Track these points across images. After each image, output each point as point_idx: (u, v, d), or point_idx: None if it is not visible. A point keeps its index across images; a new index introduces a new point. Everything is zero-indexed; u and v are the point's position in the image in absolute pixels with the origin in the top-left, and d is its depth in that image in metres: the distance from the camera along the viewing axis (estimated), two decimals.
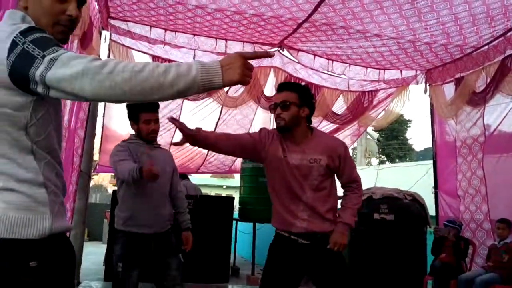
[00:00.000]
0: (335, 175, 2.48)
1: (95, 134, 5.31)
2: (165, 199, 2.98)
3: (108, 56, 5.00)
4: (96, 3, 4.17)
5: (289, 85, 2.48)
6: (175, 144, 2.22)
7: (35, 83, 1.08)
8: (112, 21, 4.79)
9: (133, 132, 2.94)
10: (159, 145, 3.12)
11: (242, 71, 1.15)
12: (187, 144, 6.23)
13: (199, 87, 1.11)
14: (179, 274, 2.94)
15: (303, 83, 5.96)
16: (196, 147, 6.30)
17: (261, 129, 2.51)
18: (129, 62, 1.16)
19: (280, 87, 2.46)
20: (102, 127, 5.56)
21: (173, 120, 2.20)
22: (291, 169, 2.35)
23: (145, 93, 1.07)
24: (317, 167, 2.36)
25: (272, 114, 6.22)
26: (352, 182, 2.50)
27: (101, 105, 5.38)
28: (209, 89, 1.15)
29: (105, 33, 4.84)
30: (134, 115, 2.88)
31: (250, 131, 6.46)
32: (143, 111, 2.83)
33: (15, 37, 1.10)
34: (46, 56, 1.07)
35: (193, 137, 2.22)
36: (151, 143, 2.95)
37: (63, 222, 1.26)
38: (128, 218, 2.84)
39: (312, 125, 2.51)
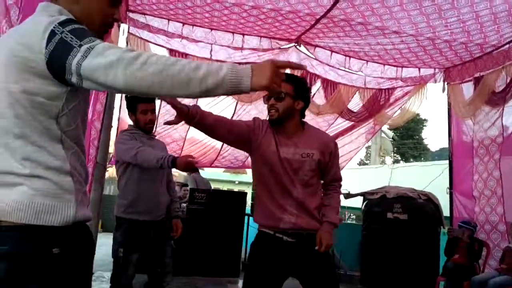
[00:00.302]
0: (321, 172, 2.40)
1: (112, 126, 5.36)
2: (164, 188, 3.12)
3: None
4: None
5: (287, 76, 2.32)
6: (168, 123, 2.06)
7: (71, 73, 1.10)
8: (130, 14, 4.83)
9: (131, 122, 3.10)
10: (155, 135, 3.27)
11: (272, 77, 1.17)
12: (201, 139, 6.22)
13: (228, 88, 1.14)
14: (171, 262, 3.19)
15: (319, 80, 5.95)
16: (210, 142, 6.38)
17: (254, 119, 2.41)
18: (163, 55, 1.18)
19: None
20: (118, 120, 5.61)
21: (163, 98, 2.19)
22: (282, 162, 2.28)
23: (174, 86, 1.10)
24: (309, 161, 2.30)
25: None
26: (336, 181, 2.47)
27: (117, 98, 5.42)
28: (237, 91, 1.16)
29: (124, 26, 4.88)
30: (132, 106, 3.00)
31: None
32: (140, 102, 2.95)
33: (54, 27, 1.13)
34: (82, 45, 1.09)
35: (187, 114, 2.05)
36: (149, 134, 3.08)
37: (85, 211, 1.28)
38: (129, 205, 2.97)
39: (303, 120, 2.43)
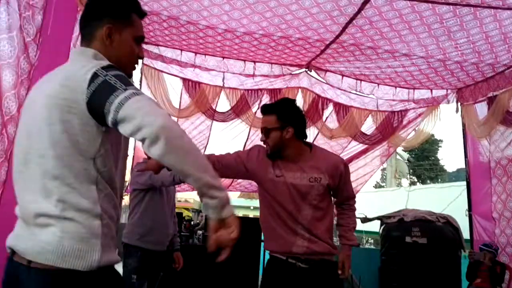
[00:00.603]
0: (332, 192, 2.37)
1: (128, 155, 5.44)
2: (172, 220, 3.30)
3: (140, 80, 5.16)
4: None
5: (267, 108, 2.32)
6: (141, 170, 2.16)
7: (109, 111, 1.14)
8: (144, 46, 4.96)
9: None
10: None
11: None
12: None
13: (216, 205, 1.22)
14: None
15: (331, 104, 5.98)
16: None
17: (251, 148, 2.39)
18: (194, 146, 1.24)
19: (263, 110, 2.35)
20: (134, 148, 5.69)
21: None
22: (288, 188, 2.24)
23: (192, 166, 1.17)
24: (317, 186, 2.25)
25: None
26: (350, 199, 2.43)
27: None
28: (218, 211, 1.23)
29: None
30: None
31: None
32: None
33: (96, 70, 1.19)
34: (128, 89, 1.15)
35: None
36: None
37: (112, 255, 1.27)
38: (145, 234, 3.08)
39: (308, 141, 2.40)
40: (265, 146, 2.31)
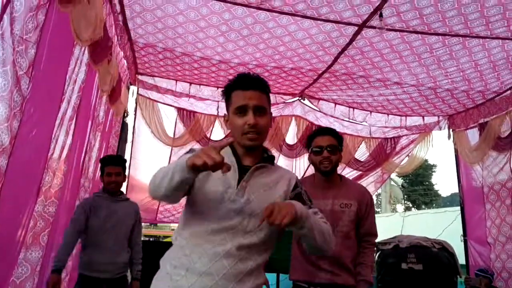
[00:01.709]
0: (357, 223, 2.42)
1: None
2: (121, 248, 3.35)
3: (135, 109, 5.19)
4: (125, 61, 4.39)
5: (333, 131, 2.50)
6: None
7: None
8: (139, 77, 5.02)
9: None
10: (127, 198, 3.59)
11: (195, 157, 1.37)
12: None
13: (179, 169, 1.43)
14: None
15: None
16: None
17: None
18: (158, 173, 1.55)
19: (325, 131, 2.48)
20: (128, 177, 5.66)
21: None
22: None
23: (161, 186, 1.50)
24: (348, 212, 2.33)
25: (294, 161, 6.15)
26: (372, 236, 2.45)
27: (127, 156, 5.51)
28: (184, 170, 1.42)
29: (133, 88, 5.06)
30: (101, 169, 3.43)
31: None
32: (106, 165, 3.39)
33: None
34: None
35: None
36: (115, 195, 3.43)
37: None
38: (86, 263, 3.24)
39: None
40: (324, 164, 2.39)
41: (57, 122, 2.71)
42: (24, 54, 2.23)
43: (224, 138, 5.63)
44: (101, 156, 3.98)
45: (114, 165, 3.40)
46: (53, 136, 2.72)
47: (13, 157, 2.22)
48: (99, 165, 3.51)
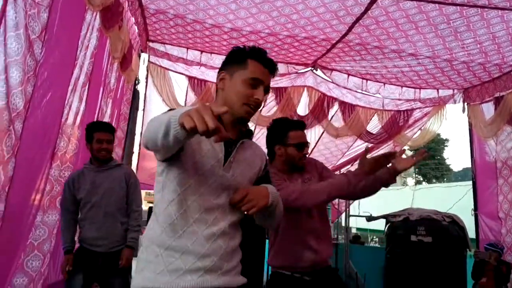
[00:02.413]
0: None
1: (133, 152, 5.47)
2: (114, 221, 3.11)
3: (146, 77, 5.19)
4: (136, 27, 4.36)
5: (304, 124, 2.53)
6: None
7: None
8: (150, 44, 4.98)
9: None
10: (118, 164, 3.26)
11: (188, 114, 1.15)
12: None
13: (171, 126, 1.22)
14: None
15: (336, 102, 5.98)
16: None
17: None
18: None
19: (301, 126, 2.43)
20: (139, 145, 5.72)
21: None
22: None
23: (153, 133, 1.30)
24: (311, 184, 2.35)
25: (306, 132, 6.23)
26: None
27: (139, 123, 5.55)
28: (177, 128, 1.22)
29: (144, 55, 5.04)
30: (89, 136, 3.06)
31: None
32: (96, 131, 3.04)
33: None
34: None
35: None
36: (105, 163, 3.12)
37: None
38: (81, 238, 3.10)
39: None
40: (303, 160, 2.40)
41: (70, 87, 2.73)
42: (37, 17, 2.23)
43: None
44: (112, 123, 4.00)
45: (106, 131, 3.10)
46: (66, 101, 2.75)
47: (27, 122, 2.25)
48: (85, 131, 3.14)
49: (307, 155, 2.42)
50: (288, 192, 2.10)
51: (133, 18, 4.10)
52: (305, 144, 2.37)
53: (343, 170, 6.82)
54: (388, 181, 2.12)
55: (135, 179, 3.27)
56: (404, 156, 2.09)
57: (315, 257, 2.29)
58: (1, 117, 2.04)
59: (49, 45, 2.36)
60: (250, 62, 1.56)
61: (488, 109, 5.60)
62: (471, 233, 5.81)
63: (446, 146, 26.94)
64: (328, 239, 2.37)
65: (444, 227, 5.51)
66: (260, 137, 6.15)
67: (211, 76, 5.34)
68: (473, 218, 5.94)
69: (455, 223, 5.59)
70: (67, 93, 2.73)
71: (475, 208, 5.96)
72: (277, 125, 2.44)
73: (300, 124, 2.44)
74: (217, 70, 1.63)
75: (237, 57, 1.59)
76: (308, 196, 2.10)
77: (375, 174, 2.09)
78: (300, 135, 2.37)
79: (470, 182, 6.30)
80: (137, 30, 4.44)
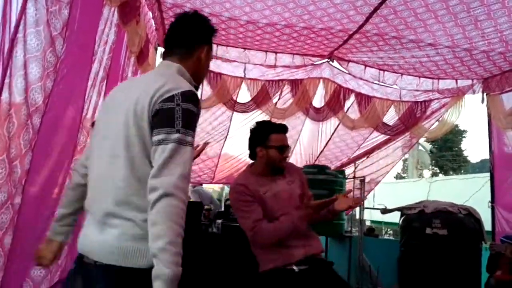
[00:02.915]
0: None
1: None
2: None
3: None
4: (153, 21, 4.37)
5: (286, 128, 2.59)
6: None
7: (152, 137, 1.28)
8: None
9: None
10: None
11: None
12: (235, 155, 6.41)
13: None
14: None
15: (352, 94, 5.94)
16: (244, 158, 6.45)
17: (243, 190, 2.42)
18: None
19: (282, 130, 2.52)
20: None
21: None
22: (275, 197, 2.39)
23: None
24: (296, 187, 2.47)
25: (320, 124, 6.16)
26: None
27: None
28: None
29: (161, 49, 5.05)
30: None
31: (299, 142, 6.49)
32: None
33: (175, 94, 1.30)
34: (177, 133, 1.26)
35: None
36: None
37: None
38: None
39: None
40: (283, 163, 2.51)
41: (90, 82, 2.76)
42: (58, 14, 2.26)
43: (250, 101, 5.62)
44: None
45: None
46: (86, 96, 2.78)
47: (46, 116, 2.28)
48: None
49: (287, 158, 2.55)
50: (245, 227, 2.32)
51: (150, 13, 4.11)
52: (286, 147, 2.47)
53: (358, 162, 6.78)
54: (327, 218, 2.46)
55: None
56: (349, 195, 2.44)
57: (305, 251, 2.33)
58: (20, 112, 2.07)
59: (69, 41, 2.38)
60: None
61: (508, 100, 5.50)
62: (487, 226, 5.74)
63: (464, 137, 26.55)
64: (312, 236, 2.44)
65: (459, 220, 5.46)
66: None
67: (227, 69, 5.35)
68: (489, 210, 5.87)
69: (471, 216, 5.53)
70: (86, 88, 2.76)
71: (492, 200, 5.89)
72: (260, 128, 2.53)
73: (282, 128, 2.53)
74: (233, 63, 1.75)
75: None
76: (259, 239, 2.30)
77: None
78: (281, 138, 2.47)
79: (488, 174, 6.22)
80: (154, 25, 4.46)
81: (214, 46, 5.05)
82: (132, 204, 1.26)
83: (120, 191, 1.27)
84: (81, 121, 2.81)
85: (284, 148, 2.44)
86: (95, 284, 1.24)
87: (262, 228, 2.27)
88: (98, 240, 1.26)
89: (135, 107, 1.29)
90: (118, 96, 1.44)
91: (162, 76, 1.39)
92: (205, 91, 5.44)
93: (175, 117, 1.25)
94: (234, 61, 5.20)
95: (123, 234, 1.24)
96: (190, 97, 1.31)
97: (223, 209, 6.93)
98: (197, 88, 1.52)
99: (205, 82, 5.39)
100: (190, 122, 1.29)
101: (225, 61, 5.17)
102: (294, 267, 2.29)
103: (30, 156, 2.20)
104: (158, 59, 4.99)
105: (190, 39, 1.54)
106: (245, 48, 5.11)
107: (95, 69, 2.79)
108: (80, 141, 2.89)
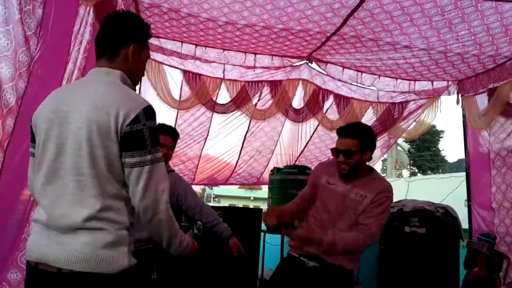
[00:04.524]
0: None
1: None
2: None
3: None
4: None
5: (349, 131, 2.48)
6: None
7: (126, 159, 1.37)
8: None
9: None
10: (170, 170, 3.17)
11: None
12: (216, 156, 6.33)
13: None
14: None
15: (331, 95, 5.99)
16: (225, 159, 6.45)
17: (314, 170, 2.62)
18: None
19: (343, 132, 2.47)
20: None
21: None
22: (337, 196, 2.39)
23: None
24: (361, 202, 2.37)
25: (300, 125, 6.19)
26: (365, 225, 2.37)
27: None
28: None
29: None
30: None
31: (279, 143, 6.52)
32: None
33: (139, 113, 1.37)
34: (150, 154, 1.37)
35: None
36: None
37: (133, 259, 1.44)
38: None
39: (372, 167, 2.58)
40: (341, 167, 2.46)
41: (64, 82, 2.72)
42: (32, 14, 2.22)
43: (230, 102, 5.62)
44: None
45: (169, 135, 2.95)
46: None
47: (20, 118, 2.24)
48: None
49: (347, 163, 2.47)
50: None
51: None
52: (340, 151, 2.46)
53: None
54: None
55: (184, 183, 3.27)
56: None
57: (321, 254, 2.33)
58: None
59: (44, 40, 2.35)
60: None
61: (482, 101, 5.63)
62: (465, 224, 5.87)
63: (441, 137, 27.06)
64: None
65: (437, 218, 5.57)
66: (255, 130, 6.17)
67: (206, 69, 5.33)
68: (466, 208, 5.99)
69: (448, 214, 5.65)
70: None
71: (469, 199, 6.02)
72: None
73: (341, 131, 2.56)
74: (212, 64, 1.80)
75: None
76: None
77: None
78: (339, 142, 2.52)
79: (464, 173, 6.34)
80: None
81: (193, 46, 5.05)
82: (102, 217, 1.31)
83: (89, 207, 1.32)
84: None
85: (338, 152, 2.42)
86: None
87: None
88: (67, 249, 1.29)
89: (98, 127, 1.33)
90: (63, 108, 1.42)
91: (111, 89, 1.43)
92: (184, 91, 5.41)
93: (144, 138, 1.35)
94: (213, 61, 5.18)
95: (95, 242, 1.30)
96: (151, 113, 1.40)
97: None
98: (134, 88, 1.58)
99: (184, 83, 5.37)
100: (156, 138, 1.39)
101: (204, 62, 5.15)
102: (307, 260, 2.35)
103: (1, 157, 2.16)
104: None
105: (116, 39, 1.54)
106: (224, 49, 5.10)
107: (70, 70, 2.75)
108: None
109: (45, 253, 1.32)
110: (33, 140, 1.50)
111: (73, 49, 2.79)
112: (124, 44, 1.53)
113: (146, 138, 1.35)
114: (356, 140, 2.39)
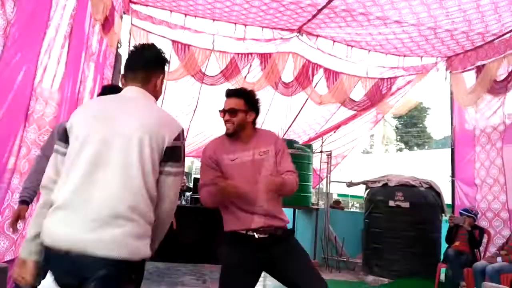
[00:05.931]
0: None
1: None
2: None
3: (129, 40, 5.07)
4: None
5: (235, 92, 2.56)
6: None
7: (164, 166, 1.61)
8: (133, 6, 4.86)
9: None
10: None
11: None
12: (204, 128, 6.23)
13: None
14: None
15: (321, 69, 5.98)
16: (212, 131, 6.44)
17: (204, 150, 2.55)
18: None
19: (229, 93, 2.52)
20: None
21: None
22: (244, 167, 2.40)
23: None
24: (267, 158, 2.44)
25: (290, 99, 6.15)
26: (290, 172, 2.47)
27: None
28: None
29: (126, 18, 4.91)
30: None
31: (268, 116, 6.52)
32: None
33: (181, 132, 1.66)
34: (181, 167, 1.66)
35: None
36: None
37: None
38: None
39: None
40: (226, 126, 2.47)
41: (44, 48, 2.67)
42: None
43: (219, 73, 5.58)
44: (95, 87, 3.93)
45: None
46: (39, 62, 2.68)
47: None
48: None
49: (231, 122, 2.45)
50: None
51: None
52: (229, 110, 2.45)
53: (326, 137, 6.90)
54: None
55: None
56: None
57: (265, 220, 2.37)
58: None
59: (20, 4, 2.29)
60: None
61: (470, 78, 5.67)
62: (448, 199, 6.00)
63: (428, 114, 27.22)
64: (277, 215, 2.43)
65: (421, 193, 5.69)
66: (205, 94, 6.06)
67: (195, 40, 5.26)
68: (450, 184, 6.12)
69: (432, 189, 5.76)
70: (39, 54, 2.66)
71: (453, 175, 6.12)
72: None
73: (227, 93, 2.55)
74: (202, 34, 1.81)
75: None
76: (201, 199, 2.50)
77: None
78: (226, 102, 2.49)
79: (449, 149, 6.44)
80: None
81: (182, 16, 4.97)
82: (137, 210, 1.52)
83: (134, 199, 1.52)
84: (34, 89, 2.72)
85: (224, 112, 2.45)
86: (94, 272, 1.43)
87: (203, 191, 2.40)
88: (100, 237, 1.46)
89: (150, 142, 1.56)
90: (109, 115, 1.61)
91: (157, 108, 1.74)
92: (172, 62, 5.33)
93: (181, 154, 1.65)
94: (202, 32, 5.12)
95: (127, 232, 1.48)
96: (183, 133, 1.68)
97: (192, 184, 6.93)
98: None
99: (172, 53, 5.29)
100: (184, 156, 1.68)
101: (194, 32, 5.08)
102: (255, 234, 2.35)
103: None
104: (124, 28, 4.86)
105: (151, 67, 1.74)
106: (214, 19, 5.03)
107: (51, 35, 2.69)
108: (36, 110, 2.81)
109: (69, 240, 1.46)
110: (65, 140, 1.61)
111: (55, 14, 2.73)
112: (156, 72, 1.75)
113: (182, 154, 1.65)
114: (241, 99, 2.47)
